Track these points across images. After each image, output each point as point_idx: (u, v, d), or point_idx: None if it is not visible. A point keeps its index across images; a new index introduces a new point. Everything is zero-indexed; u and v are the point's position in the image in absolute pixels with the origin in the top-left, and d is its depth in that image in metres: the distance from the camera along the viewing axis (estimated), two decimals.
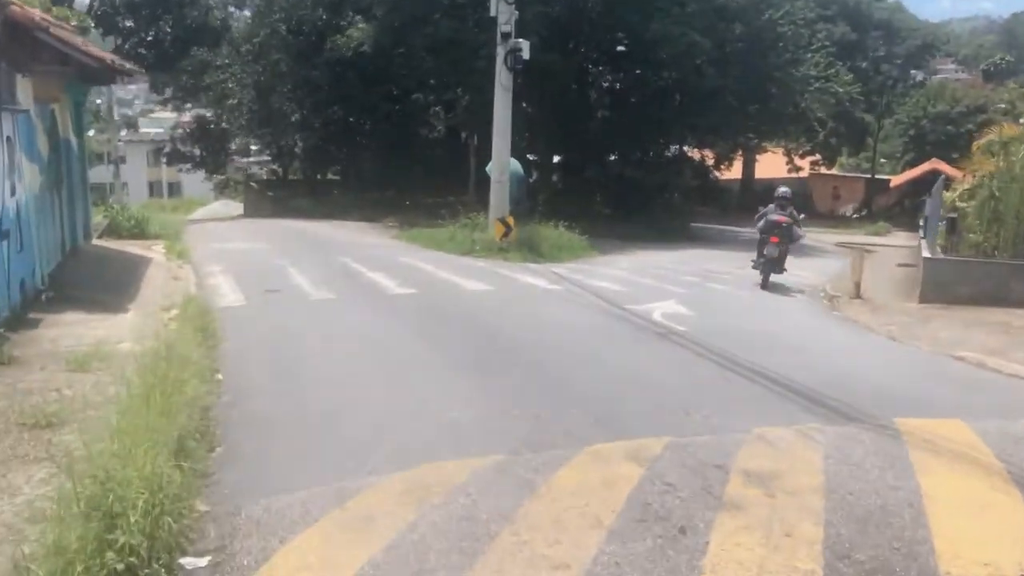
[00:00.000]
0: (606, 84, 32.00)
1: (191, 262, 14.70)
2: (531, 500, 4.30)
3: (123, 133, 70.18)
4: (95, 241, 14.26)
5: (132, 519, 3.39)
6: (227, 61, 31.46)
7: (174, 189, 72.31)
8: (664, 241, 25.97)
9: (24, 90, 9.19)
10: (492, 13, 18.16)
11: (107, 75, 13.29)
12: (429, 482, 4.50)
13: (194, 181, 54.85)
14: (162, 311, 9.79)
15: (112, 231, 17.10)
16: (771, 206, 14.01)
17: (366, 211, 29.09)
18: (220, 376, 6.78)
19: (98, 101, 47.46)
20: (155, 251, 15.30)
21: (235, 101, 31.65)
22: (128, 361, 6.46)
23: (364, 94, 30.72)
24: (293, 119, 31.80)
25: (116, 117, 43.69)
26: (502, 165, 18.44)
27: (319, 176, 38.36)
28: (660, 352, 8.41)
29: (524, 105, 23.65)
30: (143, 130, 74.51)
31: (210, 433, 5.29)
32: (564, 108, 29.60)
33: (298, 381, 6.89)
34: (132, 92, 66.66)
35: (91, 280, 11.02)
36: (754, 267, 14.04)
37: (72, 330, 8.15)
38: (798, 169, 48.37)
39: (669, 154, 32.90)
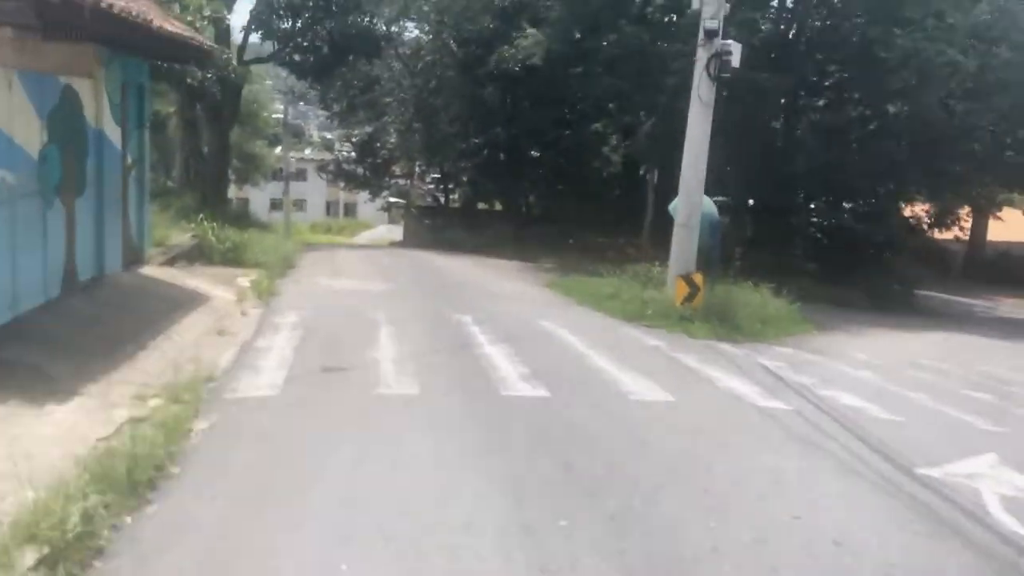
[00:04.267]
0: (816, 115, 26.45)
1: (269, 305, 11.17)
2: None
3: (307, 151, 71.39)
4: (147, 269, 11.00)
5: None
6: (387, 74, 28.87)
7: (349, 210, 72.70)
8: (886, 313, 20.36)
9: None
10: (695, 5, 13.72)
11: (183, 52, 10.04)
12: None
13: (371, 204, 53.32)
14: (131, 403, 6.07)
15: (203, 254, 14.00)
16: None
17: (524, 248, 25.23)
18: None
19: (274, 116, 47.41)
20: (233, 286, 11.92)
21: (391, 118, 28.93)
22: None
23: (533, 115, 27.09)
24: (452, 139, 28.63)
25: (287, 132, 42.90)
26: (692, 204, 13.82)
27: (481, 205, 35.13)
28: None
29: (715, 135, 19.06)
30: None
31: None
32: (765, 140, 24.50)
33: None
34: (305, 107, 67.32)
35: (78, 331, 7.53)
36: None
37: None
38: None
39: (895, 206, 26.71)
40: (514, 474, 5.02)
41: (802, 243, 27.05)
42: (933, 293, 28.03)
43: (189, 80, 17.68)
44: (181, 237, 13.79)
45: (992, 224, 39.86)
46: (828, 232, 25.99)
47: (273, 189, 50.49)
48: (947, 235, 37.76)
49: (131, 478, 4.42)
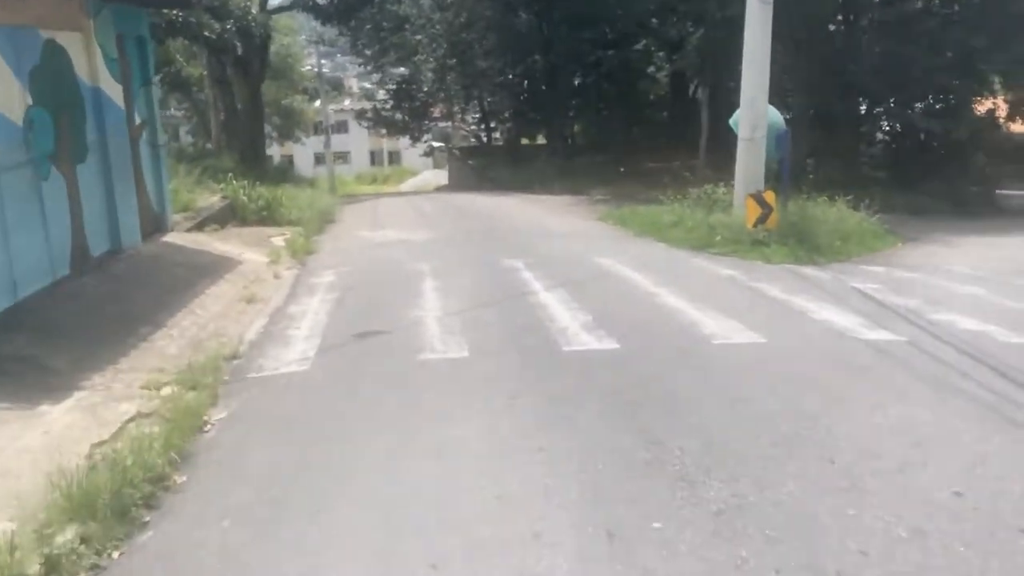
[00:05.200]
0: (877, 11, 24.09)
1: (304, 265, 10.36)
2: None
3: (346, 103, 70.35)
4: (171, 237, 10.22)
5: None
6: (416, 10, 27.47)
7: (394, 158, 71.90)
8: (971, 217, 18.73)
9: None
10: None
11: None
12: None
13: (415, 150, 51.98)
14: (140, 395, 5.31)
15: (235, 216, 13.25)
16: None
17: (572, 180, 23.99)
18: None
19: (305, 68, 46.34)
20: (266, 246, 11.14)
21: (424, 56, 27.63)
22: None
23: (571, 39, 25.51)
24: (489, 74, 27.26)
25: (323, 83, 41.89)
26: (756, 114, 12.47)
27: (524, 141, 33.81)
28: None
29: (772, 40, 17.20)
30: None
31: None
32: (824, 43, 22.55)
33: None
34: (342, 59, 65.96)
35: (86, 313, 6.78)
36: None
37: None
38: None
39: (971, 99, 24.46)
40: (587, 458, 4.07)
41: (871, 150, 25.25)
42: (1017, 192, 25.97)
43: (207, 33, 16.69)
44: (210, 199, 13.01)
45: None
46: (899, 135, 24.13)
47: (316, 144, 49.71)
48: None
49: (120, 500, 3.61)
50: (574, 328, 6.66)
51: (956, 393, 5.00)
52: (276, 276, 9.35)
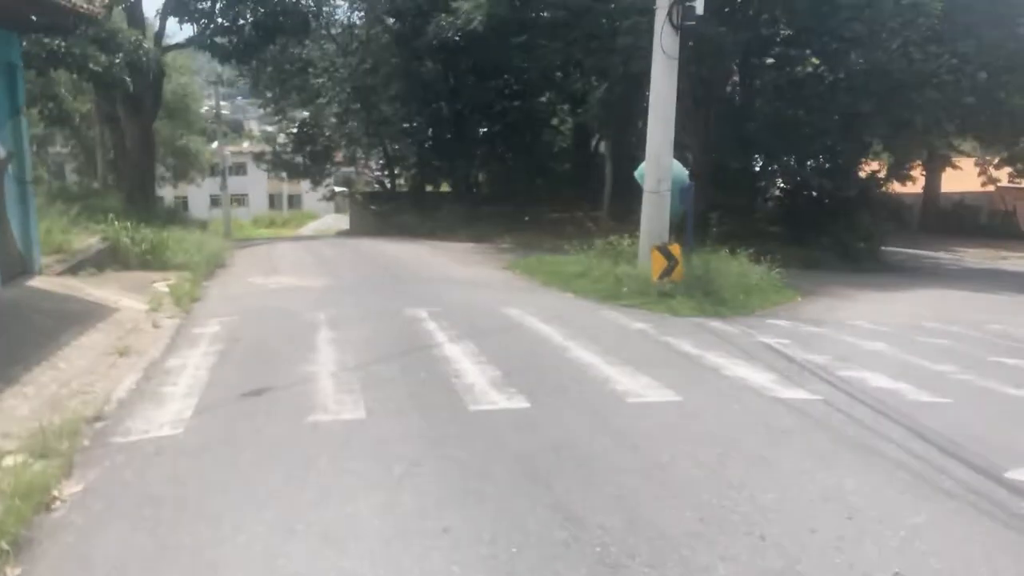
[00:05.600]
0: (772, 72, 25.13)
1: (189, 313, 9.58)
2: None
3: (245, 144, 68.63)
4: (38, 281, 9.27)
5: None
6: (319, 53, 26.96)
7: (294, 201, 70.50)
8: (859, 271, 19.58)
9: None
10: None
11: (54, 18, 8.31)
12: None
13: (316, 194, 50.83)
14: None
15: (116, 259, 12.29)
16: None
17: (478, 228, 23.81)
18: None
19: (204, 109, 44.91)
20: (147, 293, 10.29)
21: (326, 100, 27.10)
22: None
23: (477, 89, 25.56)
24: (394, 120, 26.94)
25: (221, 123, 40.60)
26: (661, 167, 12.51)
27: (429, 187, 33.52)
28: None
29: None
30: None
31: None
32: (722, 102, 23.30)
33: None
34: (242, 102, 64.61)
35: None
36: None
37: None
38: (994, 181, 39.92)
39: (857, 160, 25.66)
40: (499, 539, 3.61)
41: (766, 205, 26.11)
42: (897, 248, 27.31)
43: (92, 66, 15.72)
44: (88, 241, 12.02)
45: (945, 175, 39.51)
46: (792, 192, 25.06)
47: (212, 186, 48.06)
48: (903, 189, 37.29)
49: None
50: (481, 384, 6.22)
51: (879, 457, 4.81)
52: (155, 325, 8.56)
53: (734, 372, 6.90)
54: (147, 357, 7.25)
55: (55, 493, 4.33)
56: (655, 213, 12.46)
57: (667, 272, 11.49)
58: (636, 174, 13.92)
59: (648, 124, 12.64)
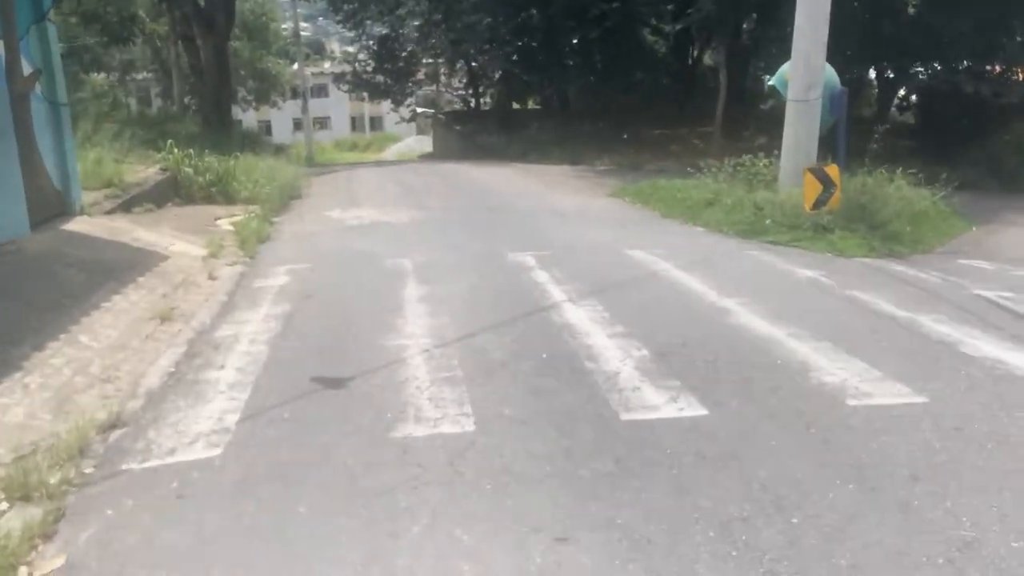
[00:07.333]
0: None
1: (255, 257, 8.12)
2: None
3: (327, 66, 67.18)
4: (78, 223, 7.89)
5: None
6: None
7: (376, 123, 69.05)
8: (1019, 192, 16.64)
9: None
10: None
11: None
12: None
13: (397, 116, 49.38)
14: None
15: (179, 192, 10.94)
16: None
17: (571, 149, 21.70)
18: None
19: (283, 28, 43.38)
20: (208, 233, 8.86)
21: (405, 11, 25.07)
22: None
23: None
24: (479, 30, 24.73)
25: (299, 42, 39.09)
26: (812, 70, 10.24)
27: (516, 105, 31.32)
28: None
29: None
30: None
31: None
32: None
33: None
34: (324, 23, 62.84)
35: None
36: None
37: None
38: None
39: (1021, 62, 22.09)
40: None
41: (896, 117, 23.10)
42: None
43: None
44: (144, 173, 10.65)
45: None
46: (931, 101, 21.90)
47: (294, 109, 46.96)
48: None
49: None
50: (628, 373, 4.49)
51: None
52: (212, 276, 7.10)
53: (976, 348, 4.94)
54: (195, 323, 5.78)
55: (27, 569, 2.88)
56: (803, 126, 10.27)
57: (823, 200, 9.38)
58: (773, 80, 11.68)
59: (796, 18, 10.32)
